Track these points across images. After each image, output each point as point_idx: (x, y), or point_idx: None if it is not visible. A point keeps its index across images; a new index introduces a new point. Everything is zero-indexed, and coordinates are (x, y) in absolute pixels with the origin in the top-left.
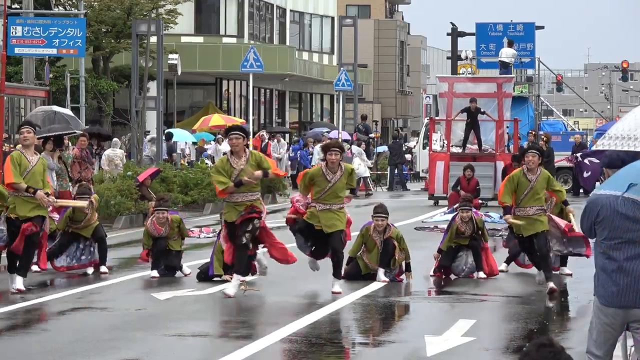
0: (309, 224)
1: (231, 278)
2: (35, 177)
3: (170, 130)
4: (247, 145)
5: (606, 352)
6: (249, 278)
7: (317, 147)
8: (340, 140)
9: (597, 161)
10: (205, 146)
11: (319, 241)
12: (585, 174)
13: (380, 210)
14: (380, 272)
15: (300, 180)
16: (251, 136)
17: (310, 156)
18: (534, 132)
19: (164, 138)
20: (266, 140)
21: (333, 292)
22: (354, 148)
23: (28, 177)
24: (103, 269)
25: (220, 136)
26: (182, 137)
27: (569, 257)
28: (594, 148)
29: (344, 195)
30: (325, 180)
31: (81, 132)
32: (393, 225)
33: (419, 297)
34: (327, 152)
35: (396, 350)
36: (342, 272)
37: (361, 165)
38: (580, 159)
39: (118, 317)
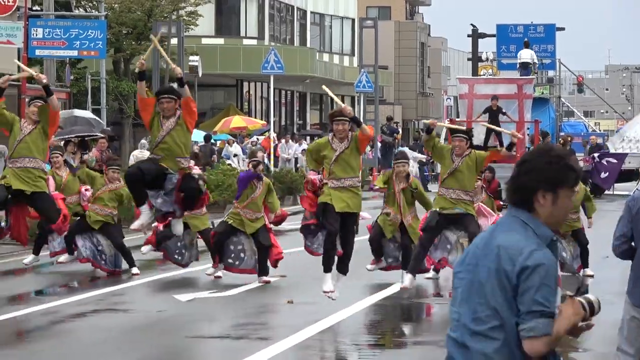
0: (324, 208)
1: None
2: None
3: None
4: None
5: (638, 349)
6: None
7: None
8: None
9: (615, 161)
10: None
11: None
12: (603, 175)
13: (401, 156)
14: (406, 277)
15: (307, 152)
16: (272, 137)
17: None
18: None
19: (202, 140)
20: (276, 142)
21: (324, 292)
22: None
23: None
24: (135, 270)
25: (231, 138)
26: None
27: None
28: (611, 151)
29: (358, 168)
30: (331, 149)
31: (102, 134)
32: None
33: (442, 298)
34: (333, 122)
35: (419, 352)
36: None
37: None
38: (597, 159)
39: (139, 319)
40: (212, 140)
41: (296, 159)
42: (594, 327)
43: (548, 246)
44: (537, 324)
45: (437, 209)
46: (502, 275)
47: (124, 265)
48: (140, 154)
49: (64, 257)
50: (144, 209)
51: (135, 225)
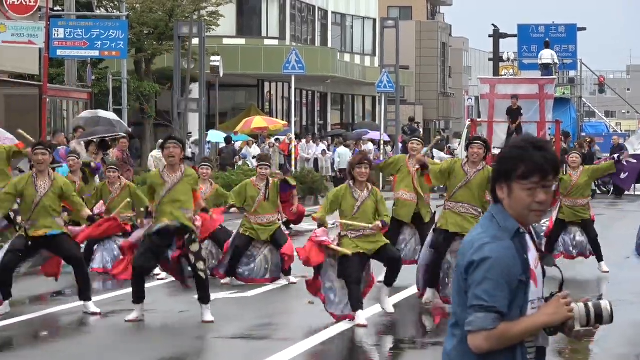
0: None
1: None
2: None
3: (212, 131)
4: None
5: None
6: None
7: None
8: (382, 141)
9: (635, 162)
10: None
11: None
12: (623, 175)
13: (418, 135)
14: (428, 292)
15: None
16: (293, 137)
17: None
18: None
19: (224, 142)
20: (294, 143)
21: (385, 309)
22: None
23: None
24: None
25: (251, 139)
26: (217, 138)
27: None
28: (630, 152)
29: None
30: (352, 197)
31: (125, 134)
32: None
33: None
34: (356, 166)
35: (439, 353)
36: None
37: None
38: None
39: (160, 319)
40: (233, 141)
41: (316, 160)
42: (613, 327)
43: (512, 238)
44: (475, 318)
45: (442, 227)
46: (459, 272)
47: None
48: (159, 154)
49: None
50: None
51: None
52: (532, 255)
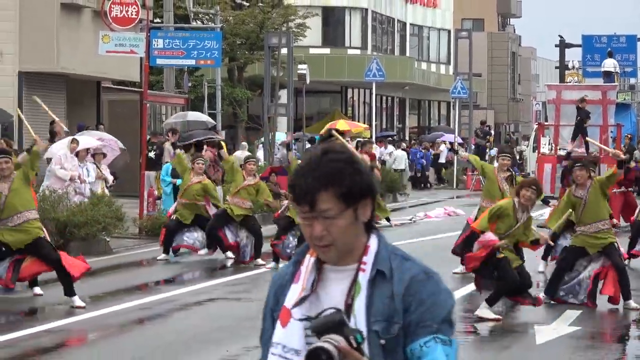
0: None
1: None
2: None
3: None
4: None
5: None
6: None
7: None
8: (456, 143)
9: None
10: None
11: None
12: None
13: (508, 150)
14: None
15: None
16: (374, 140)
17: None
18: (629, 136)
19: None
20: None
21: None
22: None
23: None
24: (260, 261)
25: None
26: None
27: None
28: None
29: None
30: (514, 218)
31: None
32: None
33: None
34: (522, 189)
35: (508, 338)
36: None
37: None
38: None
39: (252, 307)
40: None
41: (383, 161)
42: None
43: (294, 263)
44: None
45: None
46: None
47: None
48: (242, 154)
49: (203, 251)
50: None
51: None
52: (296, 289)
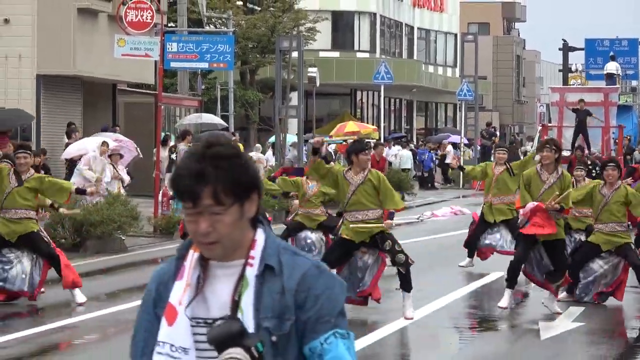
0: None
1: None
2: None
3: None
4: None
5: None
6: None
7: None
8: (462, 144)
9: None
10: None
11: None
12: None
13: (503, 145)
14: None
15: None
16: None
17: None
18: (629, 137)
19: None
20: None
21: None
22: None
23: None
24: None
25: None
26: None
27: None
28: None
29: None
30: (540, 180)
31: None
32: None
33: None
34: (540, 151)
35: (512, 334)
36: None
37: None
38: None
39: None
40: (328, 144)
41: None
42: None
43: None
44: None
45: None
46: None
47: None
48: (256, 156)
49: None
50: None
51: None
52: (181, 285)
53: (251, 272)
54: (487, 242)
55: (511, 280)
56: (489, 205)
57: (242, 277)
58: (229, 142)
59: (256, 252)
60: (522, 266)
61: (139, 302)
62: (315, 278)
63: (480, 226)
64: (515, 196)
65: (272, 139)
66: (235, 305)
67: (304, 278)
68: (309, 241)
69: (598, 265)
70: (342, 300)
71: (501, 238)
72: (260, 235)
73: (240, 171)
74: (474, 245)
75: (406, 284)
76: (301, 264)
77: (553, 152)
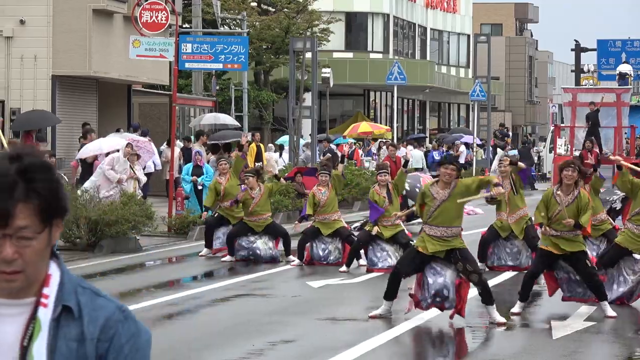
0: None
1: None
2: None
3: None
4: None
5: None
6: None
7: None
8: (474, 144)
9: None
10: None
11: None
12: None
13: (505, 156)
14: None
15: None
16: (349, 142)
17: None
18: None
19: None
20: (353, 147)
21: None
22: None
23: None
24: (291, 258)
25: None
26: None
27: None
28: None
29: None
30: (556, 202)
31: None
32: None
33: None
34: (563, 170)
35: (524, 334)
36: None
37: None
38: None
39: (276, 303)
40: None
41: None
42: None
43: None
44: None
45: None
46: None
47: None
48: (269, 155)
49: (228, 258)
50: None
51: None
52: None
53: (44, 314)
54: (509, 263)
55: (524, 295)
56: (501, 222)
57: (32, 318)
58: (43, 154)
59: (50, 290)
60: (562, 296)
61: (153, 302)
62: (121, 324)
63: (492, 235)
64: (524, 210)
65: (279, 140)
66: (24, 351)
67: (107, 323)
68: (326, 251)
69: (632, 272)
70: (148, 351)
71: (520, 256)
72: (54, 270)
73: (57, 190)
74: (485, 252)
75: (486, 299)
76: (104, 307)
77: (576, 172)
